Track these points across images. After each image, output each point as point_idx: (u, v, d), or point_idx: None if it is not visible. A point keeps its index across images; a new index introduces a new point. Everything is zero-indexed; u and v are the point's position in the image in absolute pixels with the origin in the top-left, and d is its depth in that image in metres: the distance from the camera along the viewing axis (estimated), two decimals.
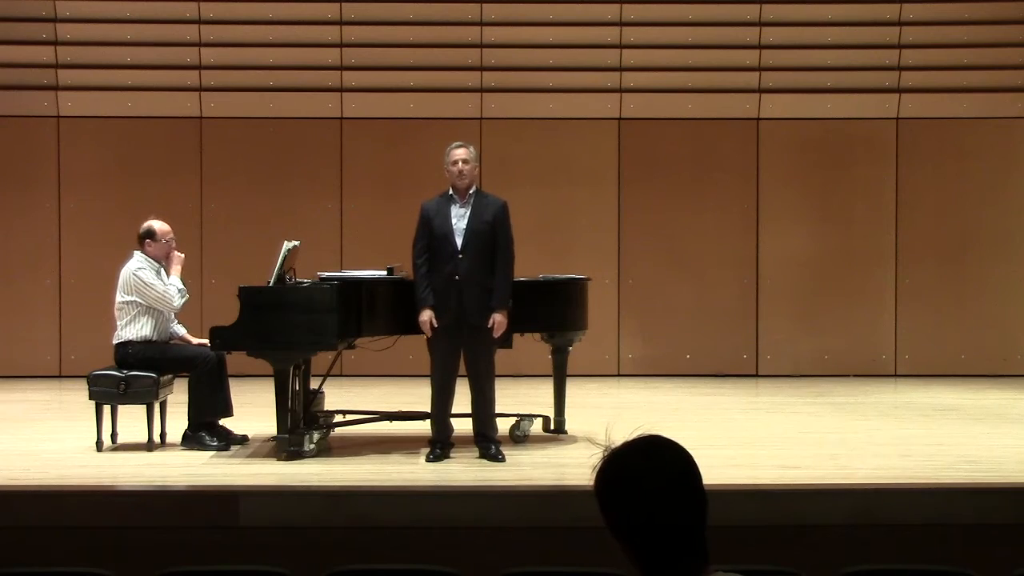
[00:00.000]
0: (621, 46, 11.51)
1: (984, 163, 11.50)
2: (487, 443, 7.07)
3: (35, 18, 11.34)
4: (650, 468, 2.15)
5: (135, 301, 7.45)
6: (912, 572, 4.28)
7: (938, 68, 11.50)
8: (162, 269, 7.63)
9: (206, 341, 7.48)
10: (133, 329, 7.46)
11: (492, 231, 7.07)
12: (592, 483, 2.17)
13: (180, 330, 7.70)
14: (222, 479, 6.54)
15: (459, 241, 7.04)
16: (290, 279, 7.35)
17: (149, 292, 7.44)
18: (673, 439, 2.20)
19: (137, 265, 7.52)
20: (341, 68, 11.43)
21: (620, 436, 2.24)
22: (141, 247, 7.60)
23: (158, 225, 7.63)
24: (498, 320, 7.01)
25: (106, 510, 5.99)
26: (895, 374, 11.35)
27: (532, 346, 8.20)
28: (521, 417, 7.71)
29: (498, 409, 7.24)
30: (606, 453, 2.18)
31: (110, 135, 11.27)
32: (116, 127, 11.27)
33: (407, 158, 11.14)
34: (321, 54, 11.43)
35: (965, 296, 11.44)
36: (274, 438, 7.13)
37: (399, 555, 5.56)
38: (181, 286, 7.55)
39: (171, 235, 7.66)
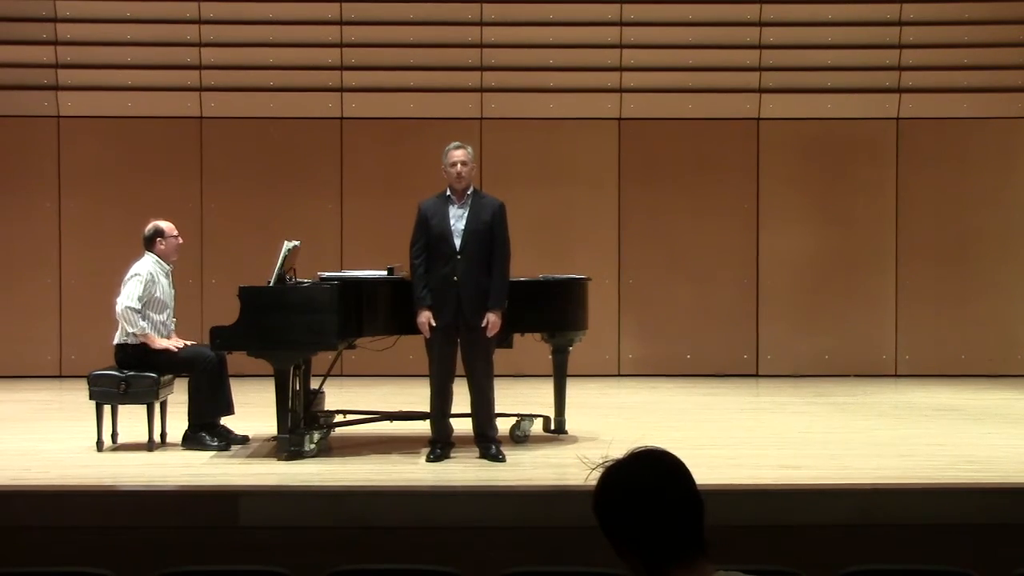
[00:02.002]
0: (621, 46, 11.51)
1: (984, 163, 11.50)
2: (487, 443, 7.07)
3: (35, 18, 11.34)
4: (647, 476, 2.19)
5: None
6: (912, 572, 4.28)
7: (938, 68, 11.50)
8: (170, 271, 7.67)
9: (190, 342, 7.50)
10: None
11: (490, 232, 7.07)
12: (592, 499, 2.20)
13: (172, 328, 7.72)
14: (222, 479, 6.55)
15: (457, 242, 7.03)
16: (290, 279, 7.35)
17: (123, 294, 7.43)
18: (662, 448, 2.23)
19: (136, 271, 7.52)
20: (341, 68, 11.43)
21: (616, 448, 2.27)
22: (151, 247, 7.63)
23: (165, 224, 7.70)
24: (492, 320, 7.01)
25: (106, 510, 5.99)
26: (895, 374, 11.35)
27: (532, 346, 8.20)
28: (521, 417, 7.70)
29: (498, 409, 7.25)
30: (603, 467, 2.21)
31: (110, 135, 11.27)
32: (116, 127, 11.27)
33: (407, 158, 11.14)
34: (321, 54, 11.43)
35: (965, 296, 11.44)
36: (274, 438, 7.13)
37: (399, 555, 5.56)
38: (140, 326, 7.39)
39: (175, 230, 7.74)
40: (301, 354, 7.13)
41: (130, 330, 7.41)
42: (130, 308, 7.41)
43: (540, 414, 7.93)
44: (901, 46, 11.51)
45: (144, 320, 7.43)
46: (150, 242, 7.65)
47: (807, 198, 11.48)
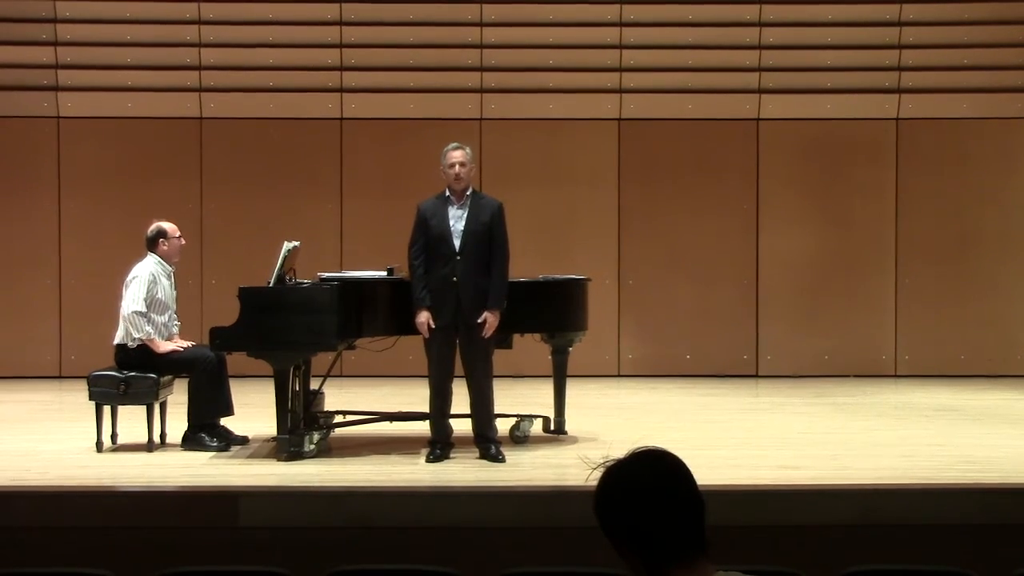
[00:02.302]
0: (621, 47, 11.51)
1: (984, 164, 11.50)
2: (487, 443, 7.07)
3: (35, 19, 11.34)
4: (647, 476, 2.20)
5: None
6: (912, 572, 4.28)
7: (938, 68, 11.50)
8: (172, 273, 7.67)
9: (191, 343, 7.50)
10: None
11: (489, 232, 7.07)
12: (592, 499, 2.20)
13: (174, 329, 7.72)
14: (222, 480, 6.55)
15: (457, 243, 7.03)
16: (290, 280, 7.35)
17: (127, 298, 7.44)
18: (664, 448, 2.23)
19: (136, 273, 7.52)
20: (341, 69, 11.43)
21: (616, 448, 2.28)
22: (154, 248, 7.63)
23: (168, 225, 7.71)
24: (489, 320, 7.00)
25: (106, 511, 5.98)
26: (895, 375, 11.35)
27: (532, 346, 8.20)
28: (521, 418, 7.70)
29: (498, 409, 7.24)
30: (603, 467, 2.22)
31: (110, 136, 11.27)
32: (116, 128, 11.27)
33: (407, 158, 11.14)
34: (321, 55, 11.43)
35: (965, 297, 11.44)
36: (274, 439, 7.13)
37: (399, 556, 5.56)
38: (145, 331, 7.39)
39: (178, 231, 7.76)
40: (301, 355, 7.13)
41: (136, 335, 7.40)
42: (136, 312, 7.41)
43: (540, 414, 7.93)
44: (901, 46, 11.51)
45: (148, 324, 7.44)
46: (153, 243, 7.66)
47: (807, 199, 11.49)
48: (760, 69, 11.50)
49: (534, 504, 6.09)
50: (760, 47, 11.51)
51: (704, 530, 2.20)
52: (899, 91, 11.48)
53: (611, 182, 11.46)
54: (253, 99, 11.33)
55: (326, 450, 7.29)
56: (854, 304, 11.44)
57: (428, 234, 7.06)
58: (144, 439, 7.33)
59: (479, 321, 7.00)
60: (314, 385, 7.72)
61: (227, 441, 7.39)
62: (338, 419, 7.81)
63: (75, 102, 11.30)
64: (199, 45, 11.38)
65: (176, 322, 7.73)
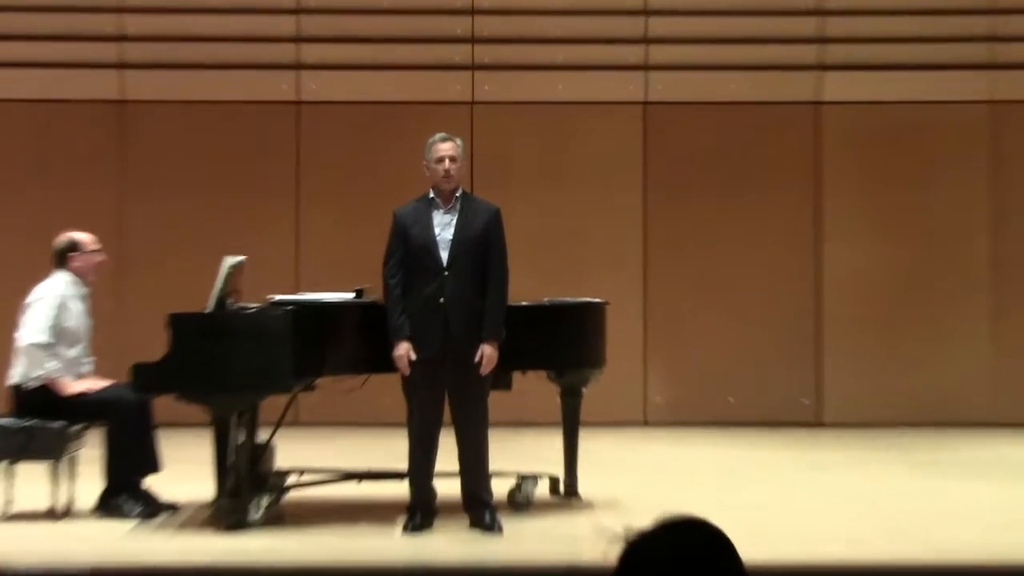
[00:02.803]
0: (647, 12, 11.55)
1: None
2: (480, 508, 7.06)
3: None
4: (679, 551, 2.20)
5: None
6: None
7: None
8: (86, 295, 7.67)
9: (109, 382, 7.49)
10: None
11: (483, 243, 7.07)
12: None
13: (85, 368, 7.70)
14: (146, 556, 6.54)
15: (444, 255, 7.03)
16: (233, 303, 7.35)
17: (26, 326, 7.42)
18: (701, 516, 2.23)
19: (40, 294, 7.51)
20: (297, 40, 11.46)
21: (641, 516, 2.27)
22: (64, 264, 7.63)
23: (81, 235, 7.72)
24: (488, 353, 7.00)
25: None
26: (991, 423, 11.34)
27: (537, 387, 8.19)
28: (523, 477, 7.70)
29: (494, 467, 7.24)
30: (625, 540, 2.22)
31: (9, 123, 11.28)
32: (17, 112, 11.28)
33: (380, 152, 11.17)
34: (273, 23, 11.47)
35: None
36: (212, 504, 7.12)
37: None
38: (48, 367, 7.38)
39: (95, 244, 7.76)
40: (246, 398, 7.12)
41: (35, 372, 7.40)
42: (36, 345, 7.40)
43: (546, 473, 7.93)
44: (996, 11, 11.54)
45: (54, 359, 7.42)
46: (62, 258, 7.66)
47: (880, 203, 11.50)
48: (821, 40, 11.53)
49: None
50: (821, 12, 11.55)
51: None
52: (995, 67, 11.50)
53: (634, 182, 11.49)
54: (188, 77, 11.36)
55: (277, 518, 7.28)
56: (940, 335, 11.44)
57: (408, 245, 7.07)
58: (47, 505, 7.31)
59: (476, 360, 6.98)
60: (263, 436, 7.72)
61: (153, 506, 7.38)
62: (292, 479, 7.80)
63: None
64: (121, 10, 11.41)
65: (88, 358, 7.71)
